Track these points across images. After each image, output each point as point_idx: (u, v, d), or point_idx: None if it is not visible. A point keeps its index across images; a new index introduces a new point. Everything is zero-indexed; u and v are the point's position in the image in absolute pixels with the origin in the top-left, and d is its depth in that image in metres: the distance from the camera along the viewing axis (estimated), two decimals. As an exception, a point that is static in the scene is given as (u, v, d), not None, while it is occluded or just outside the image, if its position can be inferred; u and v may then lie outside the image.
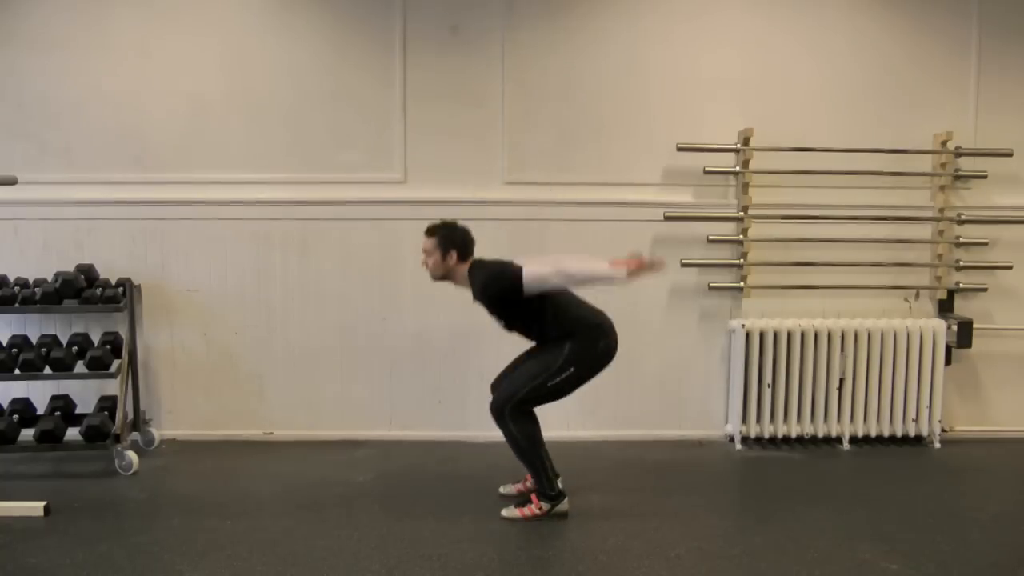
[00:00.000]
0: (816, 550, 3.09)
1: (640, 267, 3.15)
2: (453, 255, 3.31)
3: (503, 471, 3.71)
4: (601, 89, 4.32)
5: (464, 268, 3.34)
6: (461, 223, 3.38)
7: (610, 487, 3.78)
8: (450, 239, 3.32)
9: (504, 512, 3.39)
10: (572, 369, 3.28)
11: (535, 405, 3.35)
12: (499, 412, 3.32)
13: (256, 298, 4.36)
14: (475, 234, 3.38)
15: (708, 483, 3.94)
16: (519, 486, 3.63)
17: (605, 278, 3.17)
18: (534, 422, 3.36)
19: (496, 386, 3.48)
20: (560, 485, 3.42)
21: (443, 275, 3.37)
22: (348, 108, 4.30)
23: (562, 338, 3.31)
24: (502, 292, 3.24)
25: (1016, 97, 4.41)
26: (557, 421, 4.37)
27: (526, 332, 3.41)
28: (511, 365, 3.51)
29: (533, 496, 3.42)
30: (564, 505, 3.40)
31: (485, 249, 3.43)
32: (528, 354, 3.47)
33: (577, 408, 4.41)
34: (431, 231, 3.36)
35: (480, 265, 3.34)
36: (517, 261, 3.28)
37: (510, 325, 3.38)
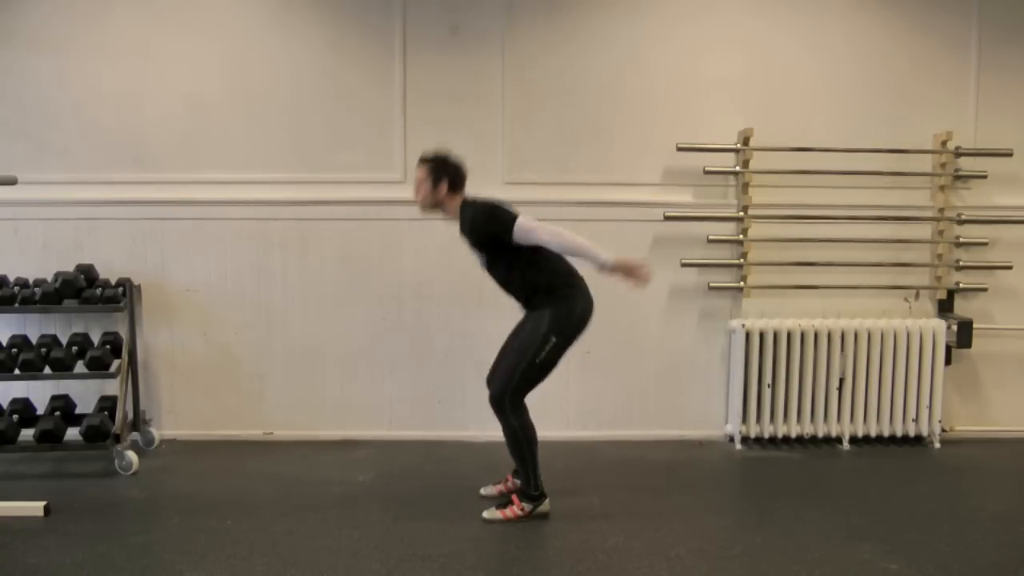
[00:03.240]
0: (816, 550, 3.09)
1: (629, 265, 3.15)
2: (444, 185, 3.27)
3: (503, 471, 3.71)
4: (601, 89, 4.32)
5: (456, 201, 3.29)
6: (455, 155, 3.34)
7: (610, 487, 3.78)
8: (442, 168, 3.28)
9: (485, 514, 3.37)
10: (554, 339, 3.24)
11: (531, 387, 3.31)
12: (499, 403, 3.29)
13: (256, 298, 4.36)
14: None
15: (708, 483, 3.94)
16: (500, 487, 3.61)
17: (592, 256, 3.15)
18: (529, 418, 3.35)
19: (490, 380, 3.46)
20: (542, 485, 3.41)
21: (433, 205, 3.31)
22: (348, 108, 4.30)
23: (540, 303, 3.27)
24: (491, 231, 3.19)
25: (1016, 97, 4.41)
26: (557, 421, 4.39)
27: (505, 278, 3.34)
28: (498, 356, 3.49)
29: (514, 497, 3.40)
30: (546, 506, 3.39)
31: (485, 249, 3.42)
32: (511, 336, 3.45)
33: (577, 408, 4.41)
34: (423, 160, 3.32)
35: (473, 202, 3.28)
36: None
37: (492, 265, 3.33)
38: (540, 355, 3.25)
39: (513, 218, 3.17)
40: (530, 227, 3.15)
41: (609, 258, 3.14)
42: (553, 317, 3.25)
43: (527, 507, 3.36)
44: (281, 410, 4.42)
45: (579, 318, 3.31)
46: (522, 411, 3.30)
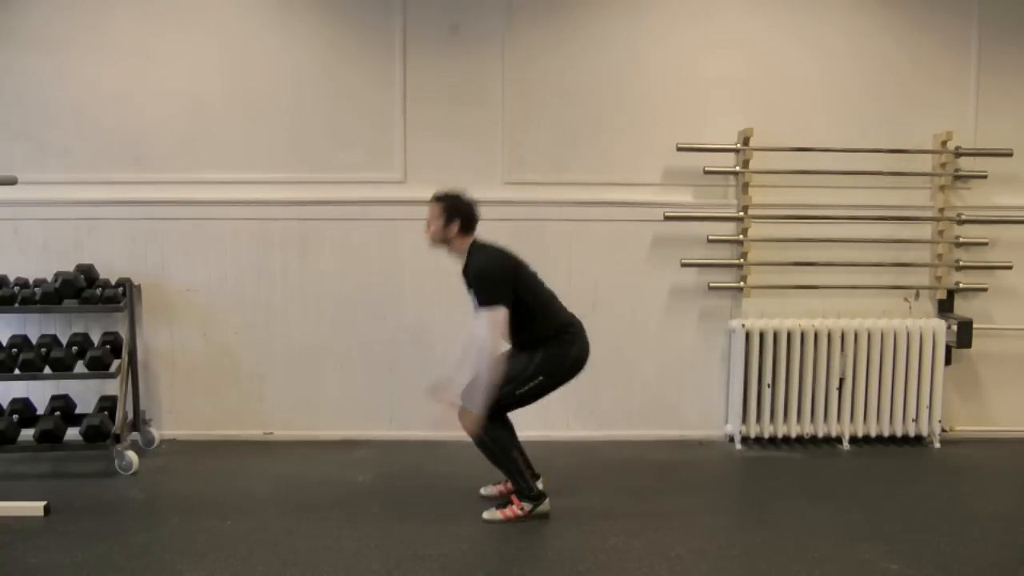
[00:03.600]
0: (816, 550, 3.09)
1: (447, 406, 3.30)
2: (456, 225, 3.30)
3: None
4: (601, 89, 4.32)
5: (465, 242, 3.33)
6: (468, 195, 3.37)
7: (610, 487, 3.78)
8: (456, 209, 3.31)
9: (485, 515, 3.37)
10: (541, 378, 3.30)
11: (508, 411, 3.34)
12: (468, 416, 3.28)
13: (256, 298, 4.36)
14: (475, 234, 3.39)
15: (708, 483, 3.94)
16: (500, 487, 3.60)
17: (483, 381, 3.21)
18: (506, 427, 3.36)
19: (466, 394, 3.39)
20: (540, 486, 3.41)
21: (442, 242, 3.36)
22: (348, 108, 4.30)
23: (534, 343, 3.32)
24: (484, 288, 3.24)
25: (1016, 97, 4.41)
26: (557, 421, 4.39)
27: None
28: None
29: (514, 497, 3.39)
30: (545, 505, 3.39)
31: (485, 249, 3.42)
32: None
33: (577, 408, 4.41)
34: (438, 198, 3.35)
35: (483, 248, 3.33)
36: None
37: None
38: (522, 388, 3.30)
39: (498, 299, 3.20)
40: (486, 332, 3.19)
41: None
42: (545, 359, 3.30)
43: (527, 507, 3.36)
44: (281, 410, 4.42)
45: (572, 363, 3.36)
46: (491, 425, 3.28)
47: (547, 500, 3.40)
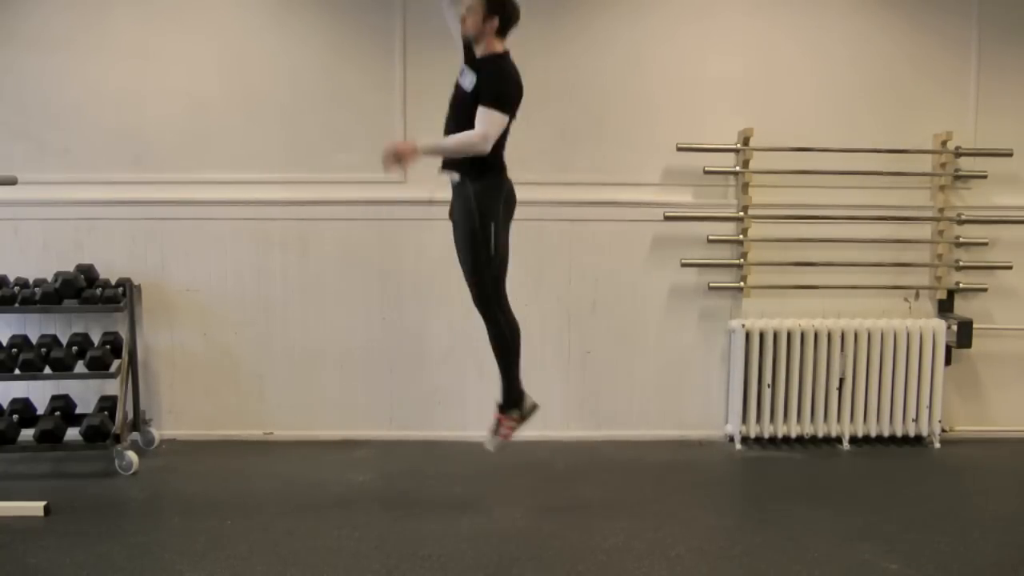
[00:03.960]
0: (816, 550, 3.09)
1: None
2: (494, 22, 3.13)
3: (503, 471, 3.71)
4: (602, 89, 4.32)
5: (494, 44, 3.17)
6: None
7: (610, 487, 3.78)
8: (499, 5, 3.13)
9: (488, 446, 3.37)
10: (492, 224, 3.17)
11: (501, 276, 3.25)
12: (485, 305, 3.23)
13: (256, 298, 4.36)
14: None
15: (708, 483, 3.94)
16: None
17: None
18: (513, 315, 3.31)
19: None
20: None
21: (474, 37, 3.18)
22: (348, 108, 4.30)
23: (471, 174, 3.18)
24: (486, 89, 3.10)
25: (1016, 97, 4.41)
26: (557, 421, 4.38)
27: (456, 128, 3.22)
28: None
29: (500, 417, 3.34)
30: (530, 401, 3.35)
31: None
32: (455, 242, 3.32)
33: (577, 408, 4.41)
34: None
35: (505, 57, 3.19)
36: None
37: (457, 107, 3.24)
38: (488, 244, 3.17)
39: (505, 105, 3.09)
40: (480, 131, 3.06)
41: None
42: (478, 202, 3.16)
43: (516, 415, 3.33)
44: (281, 410, 4.42)
45: (508, 193, 3.25)
46: (506, 309, 3.25)
47: (530, 398, 3.34)
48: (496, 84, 3.11)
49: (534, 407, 3.36)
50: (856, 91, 4.36)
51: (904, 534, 3.26)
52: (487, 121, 3.07)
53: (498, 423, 3.36)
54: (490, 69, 3.15)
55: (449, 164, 3.28)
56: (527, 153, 4.31)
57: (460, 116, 3.20)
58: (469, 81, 3.19)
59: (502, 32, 3.20)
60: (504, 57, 3.20)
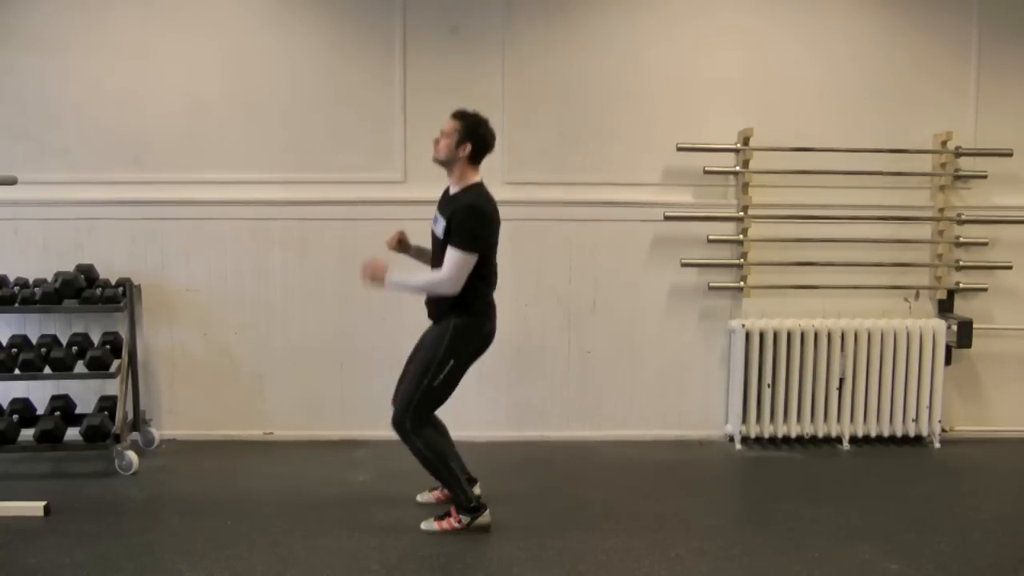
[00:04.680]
0: (816, 550, 3.09)
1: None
2: (468, 148, 3.13)
3: (503, 471, 3.71)
4: (601, 89, 4.32)
5: (468, 173, 3.17)
6: (490, 124, 3.21)
7: (610, 487, 3.78)
8: (474, 132, 3.14)
9: (423, 525, 3.25)
10: (452, 362, 3.13)
11: (433, 408, 3.22)
12: (399, 426, 3.18)
13: (256, 298, 4.36)
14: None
15: (708, 483, 3.94)
16: (437, 493, 3.50)
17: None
18: (440, 432, 3.29)
19: (394, 399, 3.31)
20: (478, 491, 3.31)
21: (445, 161, 3.18)
22: (348, 108, 4.30)
23: (452, 311, 3.14)
24: (458, 228, 3.06)
25: (1016, 97, 4.41)
26: (557, 421, 4.38)
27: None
28: (402, 373, 3.36)
29: (452, 509, 3.25)
30: (485, 517, 3.23)
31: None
32: (413, 352, 3.35)
33: (577, 408, 4.41)
34: (459, 115, 3.18)
35: (479, 189, 3.17)
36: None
37: (437, 249, 3.20)
38: (437, 378, 3.13)
39: (475, 245, 3.05)
40: (448, 273, 3.05)
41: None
42: (455, 336, 3.13)
43: (464, 519, 3.22)
44: (281, 410, 4.42)
45: (484, 336, 3.21)
46: (423, 431, 3.17)
47: (487, 512, 3.24)
48: (463, 225, 3.06)
49: (485, 527, 3.23)
50: (856, 91, 4.37)
51: (904, 534, 3.26)
52: (452, 263, 3.05)
53: (447, 513, 3.26)
54: (460, 209, 3.09)
55: (435, 315, 3.25)
56: (527, 153, 4.34)
57: (438, 261, 3.17)
58: (440, 228, 3.17)
59: (475, 159, 3.19)
60: (474, 189, 3.17)
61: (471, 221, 3.07)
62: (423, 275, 3.20)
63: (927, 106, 4.39)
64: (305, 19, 4.28)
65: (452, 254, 3.05)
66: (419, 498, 3.54)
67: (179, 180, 4.28)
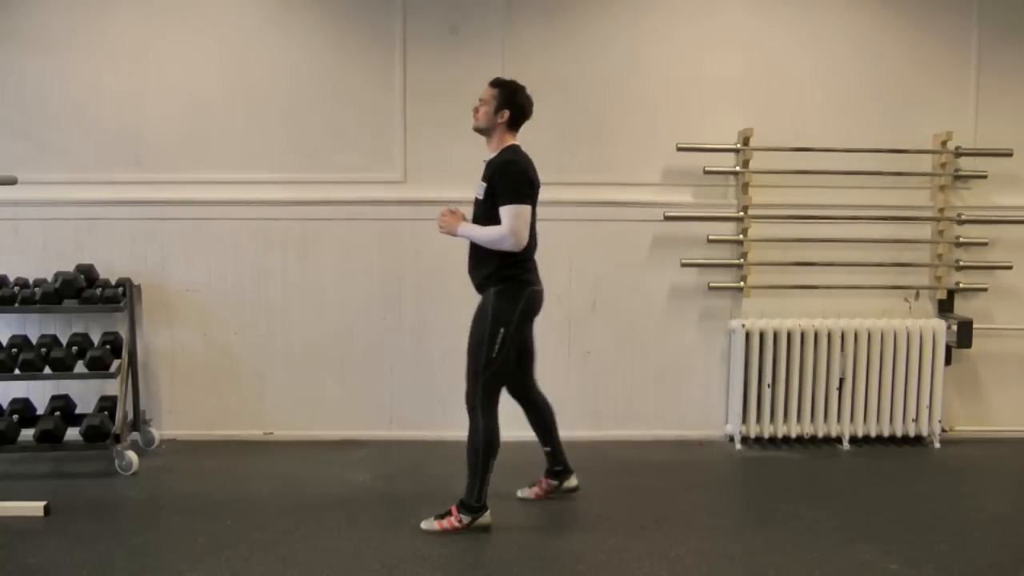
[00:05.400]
0: (816, 550, 3.09)
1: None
2: (506, 115, 3.20)
3: (503, 471, 3.70)
4: (601, 89, 4.33)
5: (506, 138, 3.23)
6: (527, 91, 3.27)
7: (610, 487, 3.78)
8: (511, 98, 3.21)
9: (424, 524, 3.26)
10: (502, 330, 3.14)
11: (500, 382, 3.22)
12: (469, 402, 3.22)
13: (256, 298, 4.36)
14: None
15: (708, 483, 3.94)
16: (536, 490, 3.58)
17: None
18: (544, 415, 3.45)
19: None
20: (575, 483, 3.49)
21: (484, 128, 3.24)
22: (348, 108, 4.30)
23: (488, 281, 3.18)
24: (502, 186, 3.12)
25: (1016, 97, 4.41)
26: (558, 421, 4.38)
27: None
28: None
29: (453, 508, 3.25)
30: (486, 518, 3.24)
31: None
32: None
33: (577, 408, 4.41)
34: (497, 83, 3.26)
35: (516, 150, 3.23)
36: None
37: (478, 212, 3.25)
38: (494, 351, 3.15)
39: (522, 197, 3.12)
40: (508, 226, 3.08)
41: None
42: (496, 304, 3.15)
43: (465, 519, 3.23)
44: (281, 410, 4.42)
45: (528, 298, 3.21)
46: (490, 416, 3.20)
47: (488, 513, 3.25)
48: (503, 181, 3.13)
49: (486, 527, 3.23)
50: (856, 91, 4.37)
51: (904, 534, 3.25)
52: (507, 217, 3.11)
53: (447, 512, 3.27)
54: (496, 168, 3.17)
55: (477, 285, 3.28)
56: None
57: (479, 222, 3.23)
58: (481, 190, 3.23)
59: (514, 126, 3.26)
60: (510, 148, 3.23)
61: (508, 174, 3.14)
62: (487, 228, 3.18)
63: (927, 106, 4.39)
64: (305, 19, 4.28)
65: (504, 212, 3.10)
66: (520, 494, 3.59)
67: (179, 180, 4.28)
